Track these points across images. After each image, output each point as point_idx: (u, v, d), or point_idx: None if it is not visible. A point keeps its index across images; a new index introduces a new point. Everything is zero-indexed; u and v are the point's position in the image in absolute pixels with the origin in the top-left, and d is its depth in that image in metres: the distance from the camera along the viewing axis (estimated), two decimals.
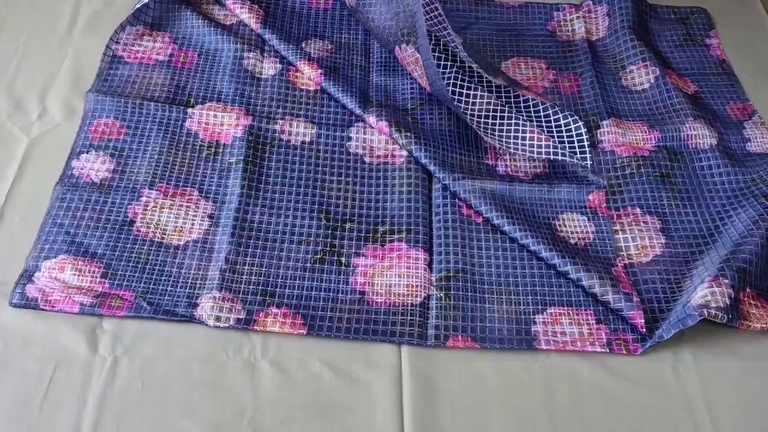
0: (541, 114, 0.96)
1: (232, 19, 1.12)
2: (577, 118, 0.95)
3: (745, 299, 0.80)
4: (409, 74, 1.03)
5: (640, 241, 0.88)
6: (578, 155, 0.93)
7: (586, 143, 0.94)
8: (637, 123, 1.01)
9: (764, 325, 0.79)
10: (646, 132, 1.00)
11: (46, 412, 0.72)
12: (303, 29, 1.12)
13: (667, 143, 0.98)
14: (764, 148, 0.98)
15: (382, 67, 1.07)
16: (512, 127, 0.95)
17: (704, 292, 0.78)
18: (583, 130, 0.95)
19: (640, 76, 1.06)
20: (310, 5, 1.15)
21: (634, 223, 0.90)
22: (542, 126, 0.96)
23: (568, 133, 0.95)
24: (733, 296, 0.78)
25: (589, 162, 0.93)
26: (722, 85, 1.08)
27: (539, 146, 0.93)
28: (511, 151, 0.93)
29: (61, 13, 1.14)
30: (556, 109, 0.96)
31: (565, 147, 0.94)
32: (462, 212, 0.90)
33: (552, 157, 0.92)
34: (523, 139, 0.94)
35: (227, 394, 0.74)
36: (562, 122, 0.96)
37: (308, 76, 1.04)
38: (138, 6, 1.08)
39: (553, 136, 0.95)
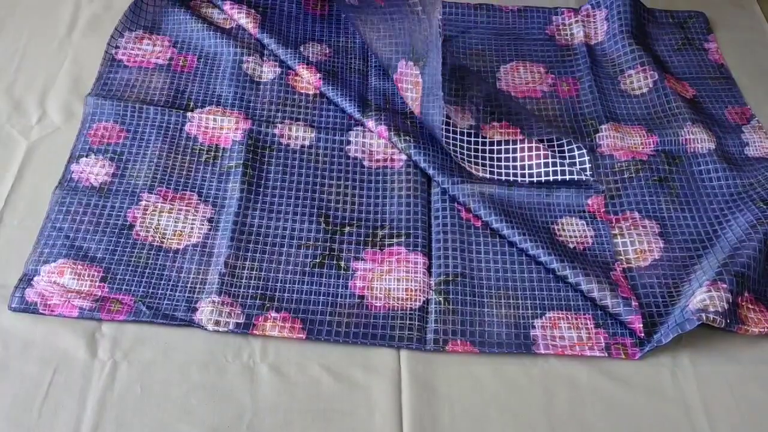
0: (544, 137, 0.96)
1: (232, 22, 1.12)
2: (581, 147, 0.95)
3: (744, 304, 0.80)
4: (399, 91, 1.02)
5: (638, 246, 0.88)
6: (578, 167, 0.94)
7: (587, 162, 0.94)
8: (636, 127, 1.02)
9: (762, 330, 0.79)
10: (644, 136, 1.00)
11: (46, 416, 0.72)
12: (300, 34, 1.12)
13: (666, 147, 0.99)
14: (762, 152, 0.98)
15: (380, 71, 1.07)
16: (502, 146, 0.95)
17: (702, 297, 0.78)
18: (584, 152, 0.95)
19: (639, 80, 1.07)
20: (306, 11, 1.15)
21: (632, 228, 0.90)
22: (543, 140, 0.96)
23: (570, 152, 0.95)
24: (731, 301, 0.78)
25: (589, 174, 0.93)
26: (720, 89, 1.08)
27: (531, 166, 0.93)
28: (503, 178, 0.93)
29: (61, 16, 1.14)
30: (561, 137, 0.96)
31: (565, 158, 0.94)
32: (461, 216, 0.90)
33: (550, 178, 0.93)
34: (515, 159, 0.94)
35: (226, 399, 0.74)
36: (564, 143, 0.96)
37: (307, 80, 1.04)
38: (132, 7, 1.08)
39: (554, 148, 0.95)
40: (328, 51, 1.10)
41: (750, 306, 0.81)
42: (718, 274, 0.81)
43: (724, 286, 0.79)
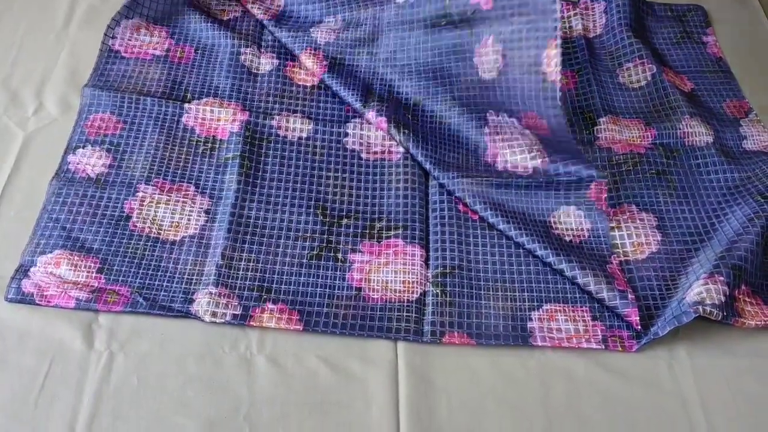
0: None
1: (230, 14, 1.11)
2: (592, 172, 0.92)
3: (740, 296, 0.80)
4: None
5: (635, 238, 0.88)
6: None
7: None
8: (634, 120, 1.01)
9: (759, 323, 0.79)
10: (642, 129, 1.00)
11: (42, 408, 0.72)
12: (318, 12, 1.09)
13: (664, 141, 0.98)
14: (760, 145, 0.98)
15: (388, 54, 1.04)
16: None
17: (699, 289, 0.78)
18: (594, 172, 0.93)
19: (637, 73, 1.06)
20: None
21: (630, 220, 0.90)
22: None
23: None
24: (728, 293, 0.78)
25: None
26: (719, 83, 1.08)
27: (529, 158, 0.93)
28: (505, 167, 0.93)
29: (58, 8, 1.13)
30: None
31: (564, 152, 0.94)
32: (458, 209, 0.90)
33: (549, 167, 0.92)
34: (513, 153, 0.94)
35: (223, 390, 0.74)
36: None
37: (311, 67, 1.03)
38: None
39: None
40: (338, 26, 1.07)
41: (747, 299, 0.81)
42: (715, 267, 0.81)
43: (721, 279, 0.79)
